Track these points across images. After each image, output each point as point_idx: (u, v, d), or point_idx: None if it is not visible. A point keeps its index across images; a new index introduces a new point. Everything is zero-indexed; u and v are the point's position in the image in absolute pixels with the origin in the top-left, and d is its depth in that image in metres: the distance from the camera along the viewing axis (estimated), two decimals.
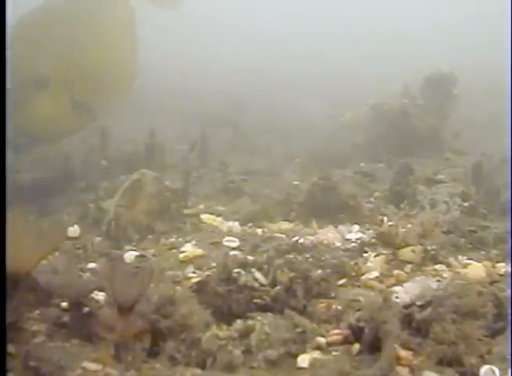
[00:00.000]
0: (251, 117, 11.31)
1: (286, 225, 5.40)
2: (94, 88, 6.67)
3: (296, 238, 4.14)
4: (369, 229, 5.07)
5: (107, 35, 6.82)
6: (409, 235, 4.31)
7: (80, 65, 6.46)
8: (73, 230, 5.05)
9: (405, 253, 4.22)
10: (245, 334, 3.00)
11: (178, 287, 3.55)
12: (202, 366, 2.86)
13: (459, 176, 6.87)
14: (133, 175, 5.56)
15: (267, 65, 17.10)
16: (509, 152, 6.87)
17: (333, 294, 3.63)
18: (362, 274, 4.00)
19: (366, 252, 4.40)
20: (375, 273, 3.98)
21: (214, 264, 4.11)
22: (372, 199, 6.39)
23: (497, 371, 2.74)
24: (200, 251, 4.49)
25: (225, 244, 4.68)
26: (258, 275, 3.58)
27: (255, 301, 3.44)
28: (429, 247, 4.24)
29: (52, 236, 3.35)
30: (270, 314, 3.25)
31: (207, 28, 22.85)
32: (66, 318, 3.11)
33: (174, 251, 4.60)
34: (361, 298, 3.53)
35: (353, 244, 4.67)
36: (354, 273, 3.99)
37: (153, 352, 2.96)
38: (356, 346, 3.01)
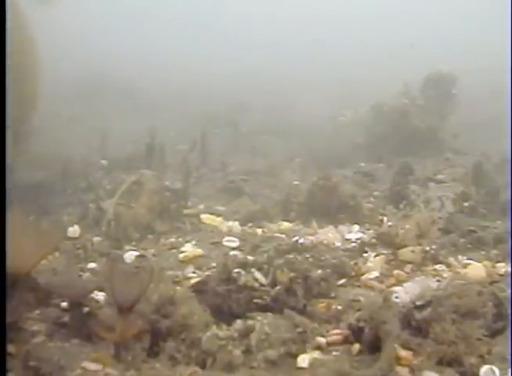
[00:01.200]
0: (251, 118, 11.30)
1: (286, 226, 5.40)
2: (24, 113, 6.45)
3: (296, 238, 4.14)
4: (369, 229, 5.07)
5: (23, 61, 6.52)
6: (408, 235, 4.31)
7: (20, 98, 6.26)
8: (73, 230, 5.05)
9: (405, 253, 4.22)
10: (245, 334, 3.00)
11: (178, 287, 3.55)
12: (202, 366, 2.87)
13: (459, 176, 6.88)
14: (131, 177, 5.57)
15: (267, 66, 17.09)
16: (509, 152, 6.87)
17: (333, 294, 3.63)
18: (362, 274, 4.00)
19: (366, 252, 4.41)
20: (375, 273, 3.98)
21: (214, 264, 4.12)
22: (372, 199, 6.39)
23: (497, 371, 2.74)
24: (199, 251, 4.50)
25: (225, 244, 4.68)
26: (258, 275, 3.58)
27: (255, 301, 3.44)
28: (428, 247, 4.24)
29: (52, 236, 3.35)
30: (270, 314, 3.25)
31: (209, 30, 22.85)
32: (66, 318, 3.11)
33: (174, 251, 4.61)
34: (361, 298, 3.53)
35: (353, 244, 4.67)
36: (354, 273, 3.99)
37: (153, 352, 2.96)
38: (356, 346, 3.01)
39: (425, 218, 4.39)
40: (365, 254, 4.37)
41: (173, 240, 4.97)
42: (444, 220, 4.96)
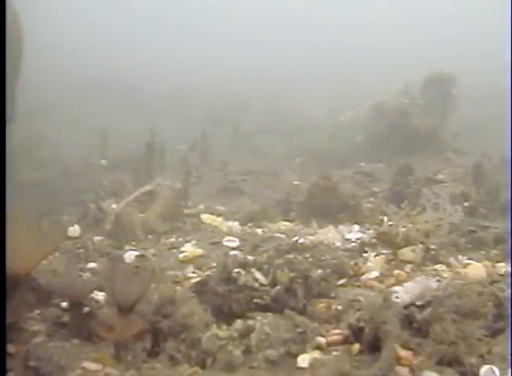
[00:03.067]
0: (252, 118, 11.32)
1: (286, 225, 5.40)
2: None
3: (296, 238, 4.14)
4: (369, 229, 5.07)
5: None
6: (409, 234, 4.31)
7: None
8: (74, 230, 5.05)
9: (405, 253, 4.21)
10: (245, 334, 3.00)
11: (179, 287, 3.55)
12: (202, 365, 2.87)
13: (459, 176, 6.88)
14: (147, 186, 5.63)
15: (267, 66, 17.09)
16: (509, 152, 6.87)
17: (333, 294, 3.63)
18: (362, 274, 3.99)
19: (366, 252, 4.40)
20: (375, 273, 3.97)
21: (214, 264, 4.11)
22: (372, 199, 6.39)
23: (497, 371, 2.74)
24: (200, 251, 4.49)
25: (225, 244, 4.67)
26: (258, 275, 3.58)
27: (255, 301, 3.44)
28: (429, 247, 4.25)
29: (53, 236, 3.35)
30: (270, 314, 3.25)
31: (210, 31, 22.85)
32: (66, 318, 3.11)
33: (174, 250, 4.61)
34: (361, 298, 3.52)
35: (353, 244, 4.67)
36: (354, 273, 3.99)
37: (153, 352, 2.96)
38: (356, 346, 3.00)
39: (432, 220, 4.37)
40: (365, 254, 4.36)
41: (173, 239, 4.98)
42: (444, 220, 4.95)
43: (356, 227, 5.18)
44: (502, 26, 13.12)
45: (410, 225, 4.41)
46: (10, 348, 2.83)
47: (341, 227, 5.17)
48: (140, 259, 4.35)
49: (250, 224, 5.47)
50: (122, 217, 5.08)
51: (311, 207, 5.70)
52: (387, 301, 3.09)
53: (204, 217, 5.64)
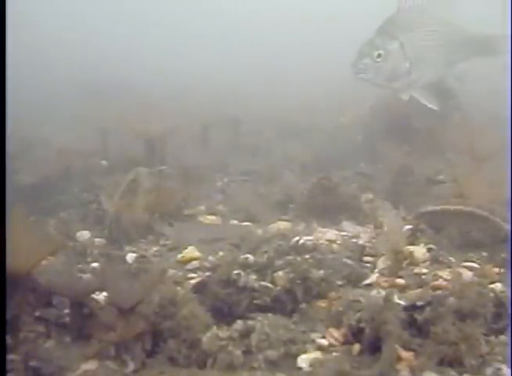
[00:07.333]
0: (252, 117, 11.30)
1: (286, 226, 5.38)
2: None
3: (296, 238, 4.13)
4: (369, 230, 5.06)
5: None
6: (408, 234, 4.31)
7: None
8: (81, 235, 5.07)
9: (406, 253, 4.21)
10: (245, 334, 3.00)
11: (179, 288, 3.54)
12: (202, 366, 2.87)
13: (460, 176, 6.85)
14: (129, 176, 5.57)
15: (267, 66, 17.10)
16: (509, 152, 6.85)
17: (333, 295, 3.62)
18: (363, 275, 3.98)
19: (367, 253, 4.40)
20: (375, 274, 3.97)
21: (214, 265, 4.10)
22: (372, 199, 6.37)
23: (498, 371, 2.75)
24: (199, 252, 4.48)
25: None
26: (258, 276, 3.58)
27: (255, 301, 3.44)
28: (429, 247, 4.24)
29: (53, 236, 3.36)
30: (270, 314, 3.25)
31: (209, 30, 22.87)
32: (66, 318, 3.11)
33: (175, 251, 4.60)
34: (361, 299, 3.52)
35: (353, 245, 4.66)
36: (354, 274, 3.98)
37: (153, 353, 2.96)
38: (356, 347, 3.00)
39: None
40: (365, 255, 4.36)
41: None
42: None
43: (357, 228, 5.18)
44: (503, 25, 13.11)
45: (408, 225, 4.41)
46: (10, 348, 2.83)
47: (342, 227, 5.17)
48: (141, 260, 4.35)
49: (250, 224, 5.46)
50: (114, 217, 5.06)
51: (311, 208, 5.70)
52: (388, 301, 3.09)
53: (204, 217, 5.64)
